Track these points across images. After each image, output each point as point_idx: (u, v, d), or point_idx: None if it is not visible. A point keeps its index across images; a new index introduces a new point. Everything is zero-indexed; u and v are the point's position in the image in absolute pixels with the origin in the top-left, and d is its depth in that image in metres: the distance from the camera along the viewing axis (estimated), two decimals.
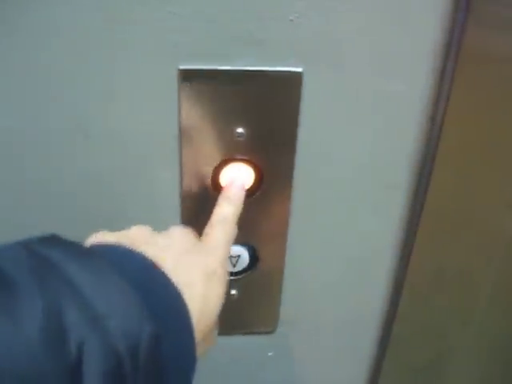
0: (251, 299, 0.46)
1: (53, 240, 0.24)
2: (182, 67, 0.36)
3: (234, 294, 0.45)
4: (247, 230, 0.42)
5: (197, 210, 0.41)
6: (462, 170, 0.42)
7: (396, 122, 0.40)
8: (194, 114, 0.37)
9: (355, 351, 0.52)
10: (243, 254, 0.43)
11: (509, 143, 0.42)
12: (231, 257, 0.43)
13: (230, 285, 0.45)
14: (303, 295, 0.47)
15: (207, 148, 0.38)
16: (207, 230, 0.34)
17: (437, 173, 0.41)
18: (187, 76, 0.36)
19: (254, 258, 0.44)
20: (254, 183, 0.40)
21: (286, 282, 0.46)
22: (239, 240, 0.42)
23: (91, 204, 0.41)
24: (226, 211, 0.35)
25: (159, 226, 0.40)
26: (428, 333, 0.52)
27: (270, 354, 0.51)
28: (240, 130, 0.38)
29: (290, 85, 0.37)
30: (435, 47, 0.37)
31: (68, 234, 0.38)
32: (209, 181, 0.40)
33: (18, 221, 0.41)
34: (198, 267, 0.29)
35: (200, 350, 0.27)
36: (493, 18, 0.36)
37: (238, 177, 0.39)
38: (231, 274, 0.45)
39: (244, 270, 0.45)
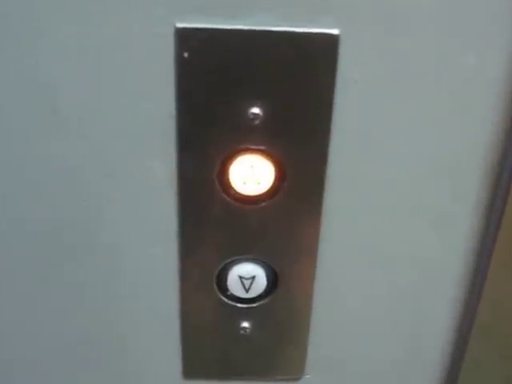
0: (269, 335, 0.40)
1: None
2: (179, 25, 0.29)
3: (246, 328, 0.39)
4: (264, 244, 0.36)
5: (199, 214, 0.35)
6: None
7: (463, 108, 0.32)
8: (194, 88, 0.31)
9: None
10: (259, 274, 0.37)
11: None
12: (243, 278, 0.37)
13: (242, 315, 0.39)
14: (338, 332, 0.41)
15: (212, 134, 0.32)
16: None
17: None
18: (186, 37, 0.30)
19: (274, 281, 0.38)
20: (273, 182, 0.34)
21: (316, 313, 0.40)
22: (254, 257, 0.36)
23: (60, 199, 0.35)
24: None
25: (150, 238, 0.35)
26: None
27: None
28: (255, 110, 0.32)
29: (322, 51, 0.30)
30: None
31: (32, 232, 0.35)
32: (214, 178, 0.33)
33: None
34: None
35: None
36: None
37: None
38: (243, 301, 0.38)
39: (260, 297, 0.38)
